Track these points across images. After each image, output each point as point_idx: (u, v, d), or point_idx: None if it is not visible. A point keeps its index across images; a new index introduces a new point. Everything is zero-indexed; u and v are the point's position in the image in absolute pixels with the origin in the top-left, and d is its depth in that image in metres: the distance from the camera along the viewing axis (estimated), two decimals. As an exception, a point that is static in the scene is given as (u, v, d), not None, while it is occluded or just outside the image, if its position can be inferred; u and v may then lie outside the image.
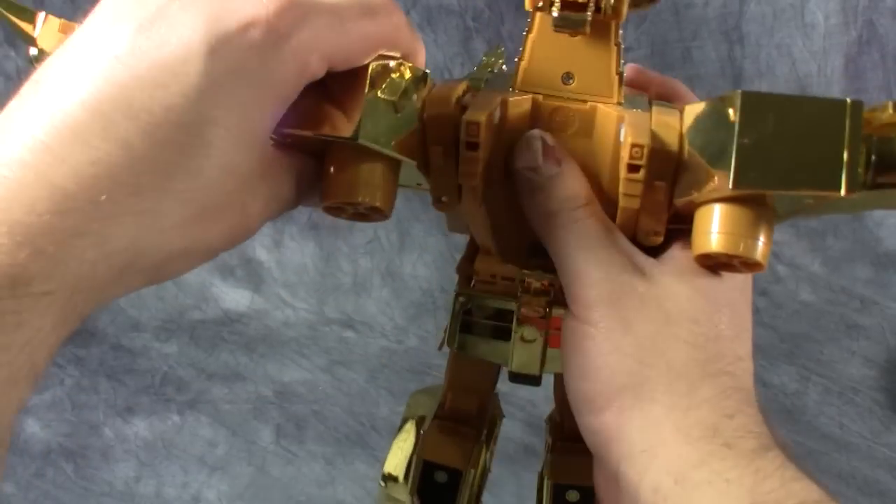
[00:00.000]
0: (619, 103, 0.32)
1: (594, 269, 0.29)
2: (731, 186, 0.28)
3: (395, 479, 0.41)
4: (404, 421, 0.43)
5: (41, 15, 0.33)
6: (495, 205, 0.33)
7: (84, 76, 0.23)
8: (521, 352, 0.35)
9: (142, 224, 0.23)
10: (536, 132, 0.31)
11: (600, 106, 0.32)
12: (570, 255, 0.30)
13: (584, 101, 0.32)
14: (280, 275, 0.90)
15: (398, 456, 0.42)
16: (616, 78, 0.32)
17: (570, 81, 0.32)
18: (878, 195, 0.29)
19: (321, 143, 0.29)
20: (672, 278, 0.30)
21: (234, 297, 0.89)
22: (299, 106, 0.27)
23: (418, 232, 0.90)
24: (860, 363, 0.77)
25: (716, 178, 0.29)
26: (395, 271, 0.89)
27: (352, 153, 0.29)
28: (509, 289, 0.35)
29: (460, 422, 0.40)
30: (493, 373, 0.40)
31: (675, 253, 0.31)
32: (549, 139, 0.31)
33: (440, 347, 0.38)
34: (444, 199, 0.32)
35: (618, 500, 0.30)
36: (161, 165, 0.23)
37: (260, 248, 0.91)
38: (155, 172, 0.23)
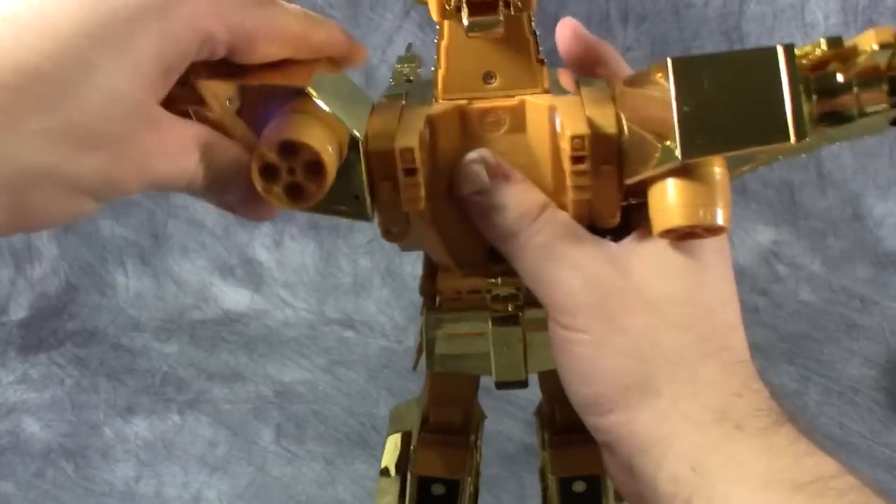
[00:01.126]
0: (546, 91, 0.32)
1: (568, 277, 0.29)
2: (680, 158, 0.27)
3: (387, 472, 0.42)
4: (389, 435, 0.43)
5: None
6: (444, 221, 0.32)
7: None
8: (501, 359, 0.34)
9: None
10: (474, 154, 0.30)
11: (528, 98, 0.31)
12: (539, 269, 0.29)
13: (511, 97, 0.31)
14: (280, 275, 0.90)
15: (391, 453, 0.42)
16: (538, 66, 0.31)
17: (493, 80, 0.32)
18: (825, 134, 0.28)
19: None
20: (645, 264, 0.29)
21: (234, 297, 0.89)
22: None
23: (418, 232, 0.90)
24: (860, 363, 0.77)
25: (661, 151, 0.28)
26: (395, 271, 0.89)
27: (300, 112, 0.28)
28: (477, 302, 0.34)
29: (447, 433, 0.40)
30: (475, 382, 0.39)
31: (639, 235, 0.30)
32: (490, 157, 0.30)
33: (415, 368, 0.37)
34: (393, 230, 0.31)
35: (632, 485, 0.29)
36: (28, 67, 0.22)
37: (260, 248, 0.91)
38: (19, 73, 0.21)
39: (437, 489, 0.39)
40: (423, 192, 0.29)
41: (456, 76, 0.31)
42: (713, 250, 0.30)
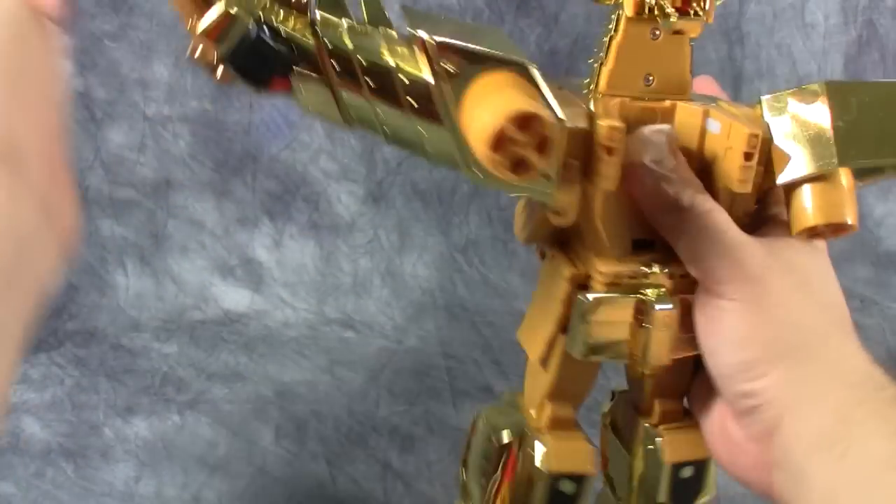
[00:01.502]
0: (690, 101, 0.35)
1: (732, 250, 0.32)
2: (837, 164, 0.32)
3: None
4: (489, 439, 0.42)
5: None
6: (607, 208, 0.34)
7: None
8: (658, 344, 0.34)
9: None
10: (658, 127, 0.33)
11: (679, 103, 0.35)
12: (703, 240, 0.32)
13: (663, 100, 0.35)
14: (280, 275, 0.90)
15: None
16: (689, 76, 0.35)
17: (651, 82, 0.34)
18: None
19: None
20: (793, 251, 0.33)
21: (234, 297, 0.89)
22: None
23: (418, 232, 0.90)
24: (860, 363, 0.77)
25: (816, 159, 0.33)
26: (395, 271, 0.89)
27: None
28: (633, 287, 0.35)
29: (563, 429, 0.40)
30: (595, 373, 0.40)
31: (780, 232, 0.34)
32: (672, 131, 0.33)
33: (545, 365, 0.37)
34: (562, 211, 0.33)
35: (761, 454, 0.33)
36: None
37: (260, 248, 0.91)
38: None
39: (567, 487, 0.39)
40: (619, 172, 0.32)
41: (622, 73, 0.34)
42: (826, 258, 0.35)
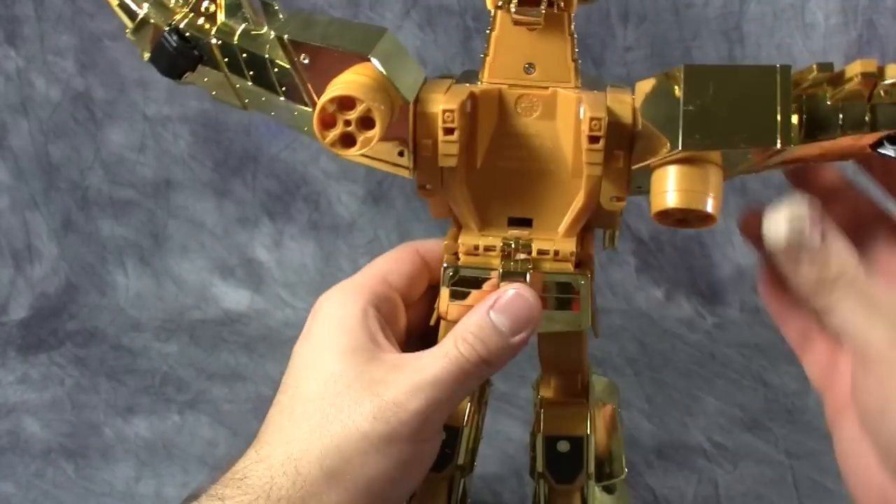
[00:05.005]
0: (577, 87, 0.36)
1: (887, 327, 0.31)
2: (679, 148, 0.32)
3: None
4: None
5: None
6: (476, 187, 0.37)
7: None
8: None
9: None
10: (800, 207, 0.31)
11: (560, 90, 0.36)
12: (859, 320, 0.31)
13: (546, 88, 0.36)
14: (280, 275, 0.90)
15: None
16: (572, 65, 0.36)
17: (532, 71, 0.36)
18: (811, 146, 0.33)
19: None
20: None
21: (234, 297, 0.89)
22: None
23: (418, 232, 0.90)
24: (860, 363, 0.77)
25: (667, 143, 0.33)
26: (395, 271, 0.89)
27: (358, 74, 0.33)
28: (491, 258, 0.38)
29: None
30: None
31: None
32: (808, 212, 0.32)
33: (433, 322, 0.40)
34: (427, 186, 0.37)
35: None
36: None
37: (260, 248, 0.91)
38: None
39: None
40: (457, 150, 0.34)
41: (501, 63, 0.36)
42: None
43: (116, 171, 0.91)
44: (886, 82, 0.32)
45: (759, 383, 0.75)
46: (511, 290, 0.36)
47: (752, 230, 0.36)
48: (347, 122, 0.32)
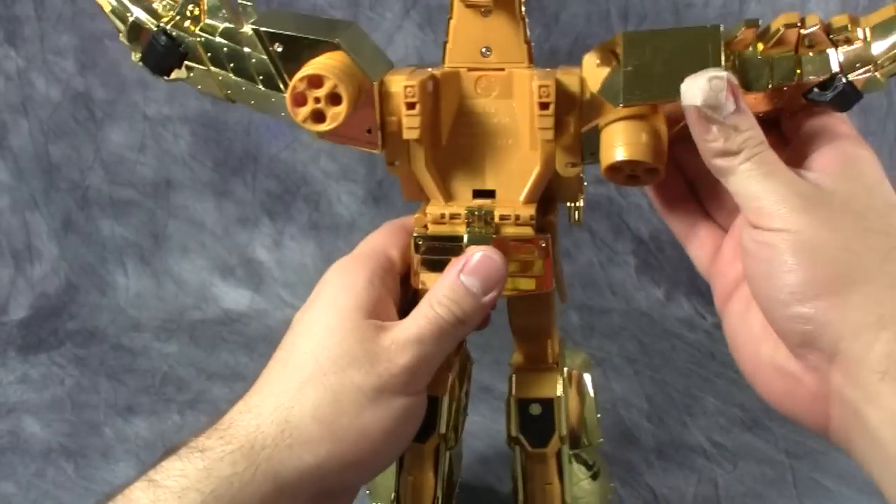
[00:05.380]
0: (531, 66, 0.39)
1: (782, 188, 0.33)
2: (621, 104, 0.35)
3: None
4: None
5: None
6: (440, 162, 0.40)
7: None
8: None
9: None
10: (719, 72, 0.33)
11: (515, 70, 0.39)
12: (756, 183, 0.33)
13: (502, 69, 0.39)
14: (280, 275, 0.90)
15: None
16: (525, 46, 0.39)
17: (489, 54, 0.39)
18: (754, 98, 0.36)
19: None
20: (844, 184, 0.34)
21: (234, 297, 0.89)
22: None
23: (418, 232, 0.90)
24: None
25: (611, 103, 0.36)
26: (395, 271, 0.89)
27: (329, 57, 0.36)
28: (456, 225, 0.40)
29: None
30: None
31: (832, 166, 0.34)
32: (734, 79, 0.34)
33: (414, 287, 0.42)
34: (396, 162, 0.39)
35: (802, 389, 0.33)
36: None
37: (260, 248, 0.91)
38: None
39: None
40: (419, 123, 0.37)
41: (459, 48, 0.39)
42: (881, 180, 0.35)
43: (116, 171, 0.91)
44: (806, 31, 0.35)
45: (759, 383, 0.75)
46: (479, 253, 0.38)
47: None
48: (317, 100, 0.35)
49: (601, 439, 0.50)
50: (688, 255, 0.41)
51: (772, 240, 0.33)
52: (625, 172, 0.37)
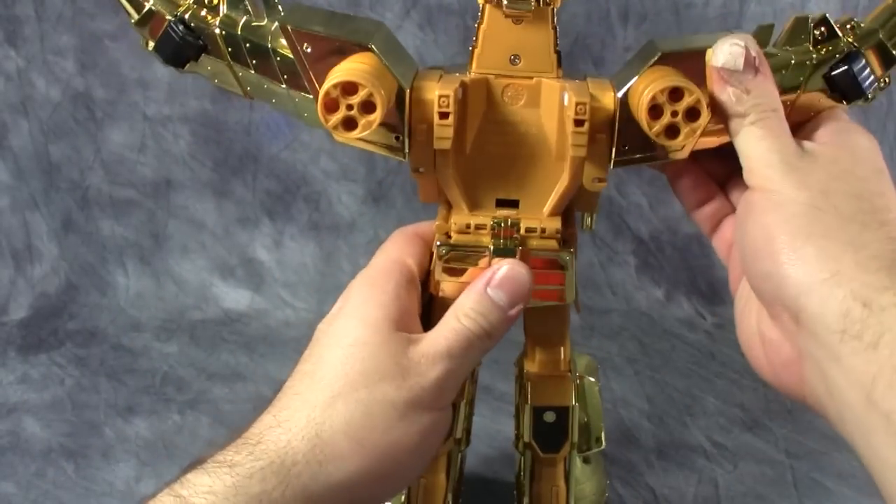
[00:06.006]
0: (559, 77, 0.39)
1: (774, 153, 0.34)
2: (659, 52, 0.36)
3: None
4: None
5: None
6: (465, 169, 0.39)
7: None
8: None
9: None
10: (739, 39, 0.36)
11: (544, 80, 0.39)
12: (753, 144, 0.35)
13: (531, 78, 0.39)
14: (280, 275, 0.90)
15: None
16: (555, 56, 0.39)
17: (518, 62, 0.38)
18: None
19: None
20: (831, 150, 0.35)
21: (234, 297, 0.89)
22: None
23: (418, 232, 0.90)
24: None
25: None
26: (396, 271, 0.89)
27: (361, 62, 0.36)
28: (481, 236, 0.40)
29: None
30: None
31: (828, 136, 0.36)
32: (754, 46, 0.36)
33: (433, 292, 0.41)
34: (421, 169, 0.38)
35: (779, 355, 0.35)
36: None
37: (260, 248, 0.91)
38: None
39: None
40: (451, 134, 0.36)
41: (488, 55, 0.38)
42: (879, 159, 0.36)
43: (116, 171, 0.91)
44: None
45: (759, 383, 0.74)
46: (505, 266, 0.38)
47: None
48: (350, 107, 0.34)
49: (604, 443, 0.49)
50: (711, 249, 0.43)
51: (751, 198, 0.35)
52: (668, 115, 0.35)
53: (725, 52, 0.35)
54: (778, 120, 0.35)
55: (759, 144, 0.35)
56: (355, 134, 0.35)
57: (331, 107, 0.34)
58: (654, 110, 0.34)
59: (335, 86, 0.34)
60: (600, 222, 0.91)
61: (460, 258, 0.40)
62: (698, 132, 0.35)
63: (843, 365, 0.30)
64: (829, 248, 0.32)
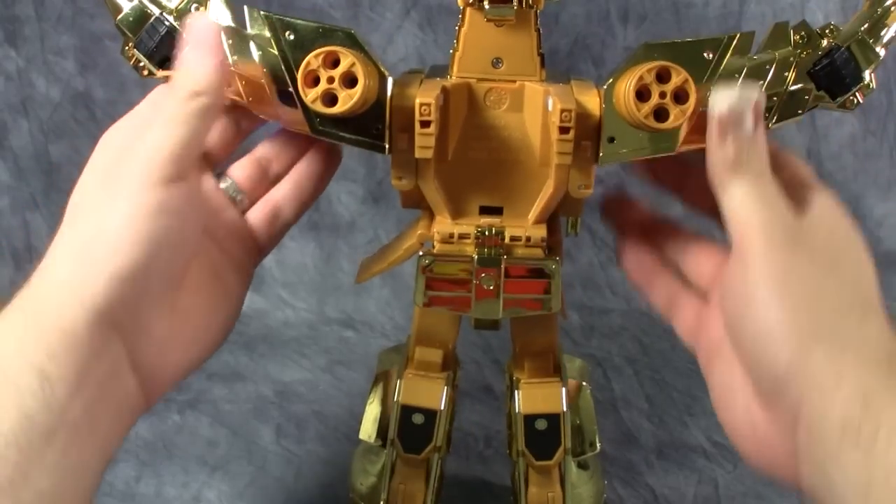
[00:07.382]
0: (542, 80, 0.38)
1: (773, 219, 0.33)
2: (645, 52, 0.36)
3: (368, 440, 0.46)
4: (376, 379, 0.49)
5: None
6: (447, 176, 0.38)
7: None
8: (481, 300, 0.39)
9: None
10: (753, 94, 0.34)
11: (527, 83, 0.38)
12: (749, 204, 0.33)
13: (513, 81, 0.38)
14: (280, 275, 0.90)
15: (368, 420, 0.47)
16: (538, 59, 0.38)
17: (500, 65, 0.37)
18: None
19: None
20: (823, 229, 0.34)
21: (235, 297, 0.89)
22: None
23: (418, 232, 0.90)
24: (860, 363, 0.77)
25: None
26: (395, 271, 0.88)
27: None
28: (465, 246, 0.39)
29: (428, 371, 0.45)
30: (456, 325, 0.44)
31: (809, 207, 0.35)
32: (762, 101, 0.34)
33: (417, 303, 0.41)
34: (402, 178, 0.38)
35: (772, 449, 0.34)
36: None
37: (260, 248, 0.91)
38: None
39: (417, 418, 0.44)
40: (433, 143, 0.35)
41: (469, 58, 0.37)
42: (856, 235, 0.35)
43: (116, 171, 0.91)
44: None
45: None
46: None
47: (612, 213, 0.44)
48: (331, 80, 0.34)
49: (599, 446, 0.49)
50: (672, 326, 0.42)
51: (746, 277, 0.33)
52: (655, 97, 0.35)
53: (733, 99, 0.33)
54: (772, 183, 0.34)
55: (756, 206, 0.33)
56: (336, 109, 0.34)
57: (311, 81, 0.34)
58: (642, 94, 0.34)
59: (317, 55, 0.34)
60: (600, 222, 0.91)
61: (443, 269, 0.39)
62: (688, 113, 0.34)
63: (842, 468, 0.30)
64: (832, 349, 0.31)
